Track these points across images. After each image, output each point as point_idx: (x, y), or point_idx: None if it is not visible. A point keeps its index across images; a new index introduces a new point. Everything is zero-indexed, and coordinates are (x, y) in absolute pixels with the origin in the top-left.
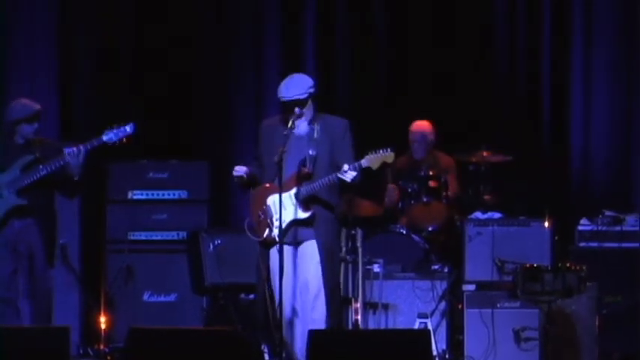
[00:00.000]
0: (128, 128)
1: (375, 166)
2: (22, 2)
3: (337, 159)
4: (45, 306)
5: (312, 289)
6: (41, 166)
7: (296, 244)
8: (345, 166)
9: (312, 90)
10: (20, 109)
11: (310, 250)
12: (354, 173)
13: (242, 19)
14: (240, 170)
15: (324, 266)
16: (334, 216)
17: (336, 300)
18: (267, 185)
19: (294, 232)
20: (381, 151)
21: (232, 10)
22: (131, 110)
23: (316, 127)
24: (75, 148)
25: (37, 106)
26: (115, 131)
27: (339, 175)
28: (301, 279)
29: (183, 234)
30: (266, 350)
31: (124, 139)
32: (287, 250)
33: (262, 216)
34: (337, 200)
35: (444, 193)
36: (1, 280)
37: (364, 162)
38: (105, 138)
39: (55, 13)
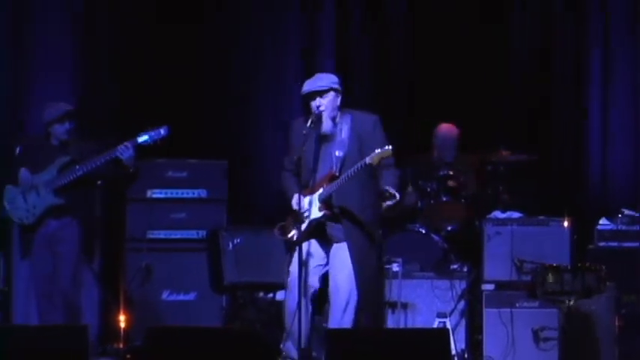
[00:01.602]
0: (163, 131)
1: (375, 162)
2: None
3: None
4: (77, 302)
5: (342, 295)
6: (77, 167)
7: (327, 242)
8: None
9: (334, 85)
10: (51, 110)
11: (342, 254)
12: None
13: (262, 17)
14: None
15: (356, 270)
16: (366, 217)
17: (372, 305)
18: (304, 189)
19: (327, 231)
20: (384, 148)
21: (253, 9)
22: (151, 109)
23: (343, 125)
24: (123, 145)
25: (68, 107)
26: (150, 133)
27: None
28: (333, 284)
29: (202, 233)
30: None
31: (158, 141)
32: (315, 242)
33: (292, 216)
34: (371, 200)
35: (464, 192)
36: (42, 277)
37: (367, 159)
38: (140, 140)
39: (74, 16)
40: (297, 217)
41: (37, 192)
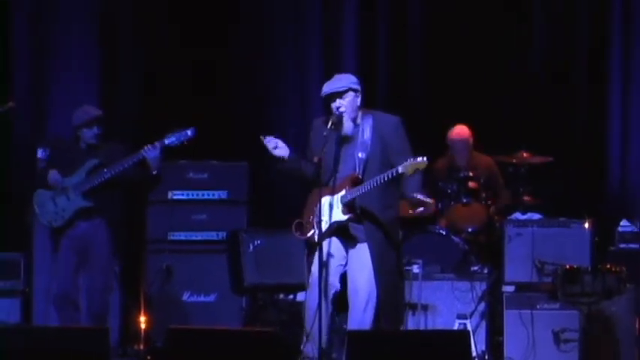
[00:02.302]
0: (189, 132)
1: (409, 172)
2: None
3: (392, 159)
4: (104, 304)
5: (362, 295)
6: (105, 170)
7: (347, 241)
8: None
9: (353, 85)
10: (80, 115)
11: (362, 255)
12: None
13: (283, 20)
14: (280, 149)
15: (376, 271)
16: (386, 217)
17: (392, 306)
18: (324, 189)
19: (343, 234)
20: (417, 159)
21: (273, 12)
22: (172, 111)
23: (364, 126)
24: (150, 145)
25: (97, 112)
26: (176, 135)
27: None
28: (353, 285)
29: (222, 234)
30: (306, 349)
31: (185, 142)
32: (335, 241)
33: (312, 217)
34: (391, 201)
35: (484, 194)
36: (65, 279)
37: (400, 168)
38: (167, 142)
39: (96, 20)
40: (315, 217)
41: (67, 195)
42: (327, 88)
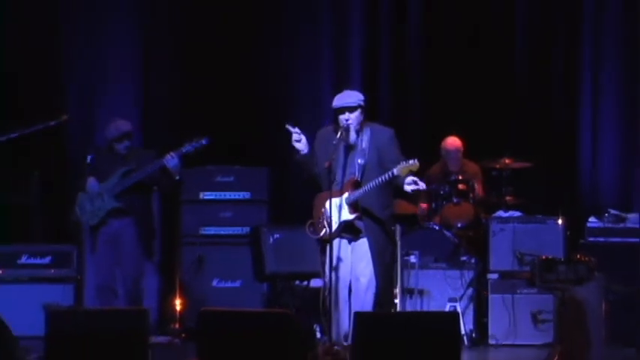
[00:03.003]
0: (204, 141)
1: (403, 174)
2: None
3: (386, 165)
4: (137, 290)
5: (362, 281)
6: (135, 174)
7: (352, 239)
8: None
9: (361, 102)
10: (112, 129)
11: (363, 248)
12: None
13: (301, 37)
14: (301, 144)
15: (375, 262)
16: (385, 216)
17: (386, 290)
18: (326, 193)
19: (350, 230)
20: (409, 161)
21: (291, 29)
22: (204, 121)
23: (363, 137)
24: (172, 153)
25: (128, 127)
26: (193, 144)
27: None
28: (354, 272)
29: (246, 229)
30: (318, 329)
31: (199, 149)
32: (344, 243)
33: (321, 218)
34: (388, 202)
35: (471, 195)
36: (104, 270)
37: (395, 170)
38: (184, 150)
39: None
40: (325, 218)
41: (102, 198)
42: (340, 102)
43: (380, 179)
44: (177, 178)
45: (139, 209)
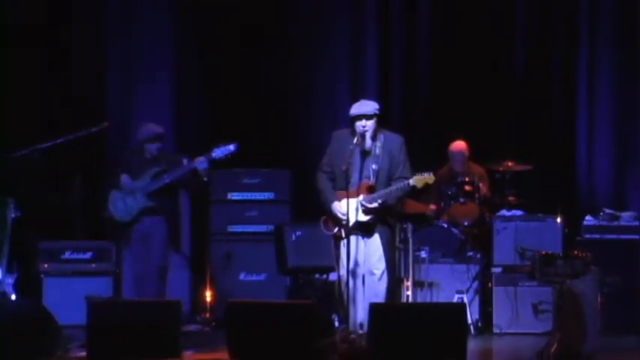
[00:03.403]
0: (232, 147)
1: (419, 185)
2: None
3: (394, 171)
4: (164, 281)
5: (376, 274)
6: (165, 175)
7: (365, 235)
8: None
9: (377, 111)
10: (145, 131)
11: (375, 243)
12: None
13: (318, 48)
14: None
15: (387, 257)
16: (393, 216)
17: (393, 279)
18: (342, 192)
19: (363, 228)
20: (425, 174)
21: (310, 43)
22: (231, 126)
23: (377, 143)
24: (202, 157)
25: (160, 130)
26: (221, 149)
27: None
28: (367, 265)
29: (270, 227)
30: (336, 319)
31: (229, 156)
32: (358, 239)
33: (337, 215)
34: (396, 205)
35: (477, 195)
36: (137, 263)
37: (412, 181)
38: (214, 155)
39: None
40: (338, 221)
41: (134, 196)
42: (358, 110)
43: (396, 187)
44: (205, 179)
45: (168, 208)
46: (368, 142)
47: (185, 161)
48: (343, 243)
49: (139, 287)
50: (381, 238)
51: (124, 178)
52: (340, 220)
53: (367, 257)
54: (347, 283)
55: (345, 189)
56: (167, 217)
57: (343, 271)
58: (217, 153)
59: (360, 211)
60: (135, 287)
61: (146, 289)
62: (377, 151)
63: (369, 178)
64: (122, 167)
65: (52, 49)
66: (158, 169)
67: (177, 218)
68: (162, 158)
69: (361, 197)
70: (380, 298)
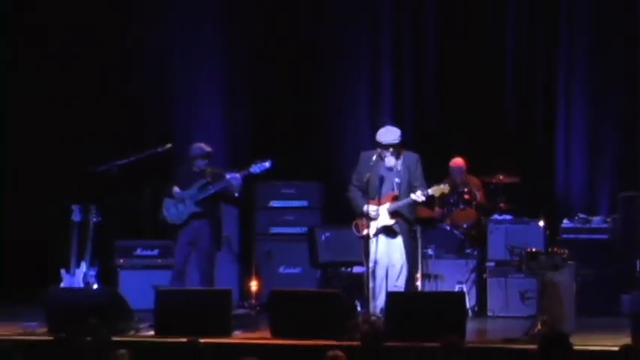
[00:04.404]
0: (267, 164)
1: (436, 194)
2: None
3: (412, 184)
4: (211, 273)
5: (397, 267)
6: (210, 187)
7: (389, 236)
8: (419, 193)
9: (400, 139)
10: (196, 150)
11: (397, 243)
12: (423, 198)
13: (343, 73)
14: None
15: (407, 253)
16: (412, 220)
17: (411, 274)
18: (373, 201)
19: (387, 230)
20: (441, 185)
21: (336, 70)
22: (271, 146)
23: (399, 161)
24: (236, 175)
25: (208, 149)
26: (258, 165)
27: (414, 197)
28: (390, 261)
29: (304, 229)
30: (358, 304)
31: (264, 172)
32: (382, 239)
33: (365, 220)
34: (413, 212)
35: (474, 202)
36: (182, 260)
37: (430, 191)
38: (251, 170)
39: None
40: (368, 218)
41: (184, 203)
42: (384, 139)
43: (415, 197)
44: (236, 195)
45: (212, 213)
46: (390, 160)
47: (226, 176)
48: (370, 242)
49: (184, 280)
50: (403, 238)
51: (175, 189)
52: (370, 217)
53: (390, 254)
54: (372, 275)
55: (372, 198)
56: (211, 220)
57: (370, 263)
58: (254, 168)
59: (386, 216)
60: (181, 279)
61: (187, 280)
62: (399, 167)
63: (393, 189)
64: (174, 180)
65: (122, 89)
66: (204, 181)
67: (219, 221)
68: (208, 172)
69: (387, 205)
70: (399, 288)
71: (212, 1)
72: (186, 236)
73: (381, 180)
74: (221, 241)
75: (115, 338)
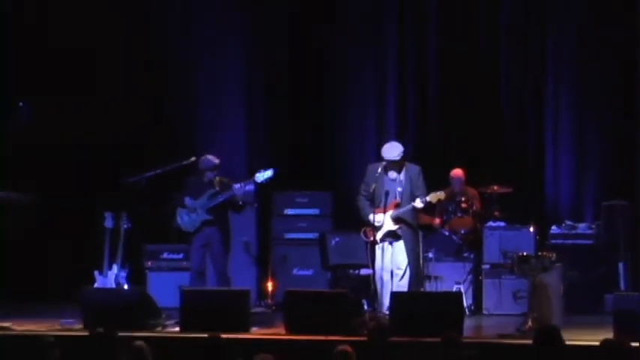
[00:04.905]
0: (271, 172)
1: (433, 200)
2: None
3: (414, 193)
4: (225, 273)
5: (402, 268)
6: (219, 196)
7: (393, 240)
8: (418, 200)
9: (403, 154)
10: (205, 162)
11: (401, 247)
12: (422, 204)
13: (350, 85)
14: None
15: (410, 256)
16: (414, 225)
17: (417, 276)
18: (378, 209)
19: (392, 235)
20: (437, 192)
21: (345, 83)
22: (286, 159)
23: (402, 172)
24: (240, 185)
25: (217, 161)
26: (262, 173)
27: (414, 204)
28: (394, 263)
29: (316, 234)
30: (365, 303)
31: (269, 180)
32: (388, 244)
33: (372, 227)
34: (415, 218)
35: (471, 211)
36: (198, 262)
37: (428, 198)
38: (256, 179)
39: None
40: (374, 227)
41: (197, 212)
42: (389, 155)
43: (415, 204)
44: (241, 203)
45: (221, 220)
46: (395, 172)
47: (234, 186)
48: (377, 247)
49: (202, 280)
50: (406, 243)
51: (187, 199)
52: (375, 226)
53: (394, 257)
54: (379, 278)
55: (378, 207)
56: (221, 226)
57: (376, 268)
58: (258, 177)
59: (391, 222)
60: (199, 280)
61: (204, 280)
62: (402, 178)
63: (396, 198)
64: (185, 190)
65: (157, 109)
66: (213, 191)
67: (228, 227)
68: (217, 182)
69: (391, 212)
70: (402, 287)
71: (235, 29)
72: (199, 241)
73: (386, 190)
74: (230, 244)
75: (143, 334)
